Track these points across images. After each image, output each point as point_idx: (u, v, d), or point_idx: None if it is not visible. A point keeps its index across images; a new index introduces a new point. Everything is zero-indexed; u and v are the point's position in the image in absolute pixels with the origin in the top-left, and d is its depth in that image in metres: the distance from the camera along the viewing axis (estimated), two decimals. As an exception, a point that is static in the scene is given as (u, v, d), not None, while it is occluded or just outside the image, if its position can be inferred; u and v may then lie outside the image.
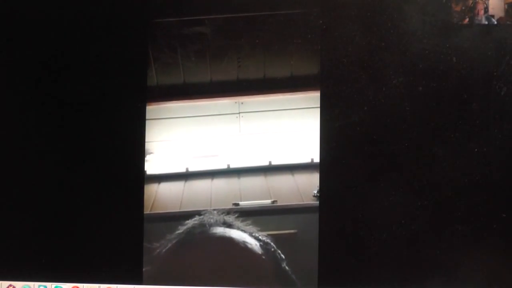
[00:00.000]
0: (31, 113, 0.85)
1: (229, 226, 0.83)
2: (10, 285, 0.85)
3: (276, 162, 0.84)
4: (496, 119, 0.80)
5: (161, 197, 0.84)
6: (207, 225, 0.83)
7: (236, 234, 0.83)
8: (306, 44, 0.82)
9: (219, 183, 0.84)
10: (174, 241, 0.83)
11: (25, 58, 0.85)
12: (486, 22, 0.80)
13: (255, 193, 0.84)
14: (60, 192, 0.84)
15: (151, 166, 0.84)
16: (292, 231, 0.83)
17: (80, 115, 0.84)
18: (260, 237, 0.83)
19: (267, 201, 0.83)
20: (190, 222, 0.83)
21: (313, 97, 0.82)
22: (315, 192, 0.82)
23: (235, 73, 0.83)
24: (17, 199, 0.85)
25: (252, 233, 0.83)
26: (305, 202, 0.82)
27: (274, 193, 0.84)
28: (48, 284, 0.84)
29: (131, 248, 0.83)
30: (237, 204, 0.84)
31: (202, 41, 0.83)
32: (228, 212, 0.83)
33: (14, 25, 0.85)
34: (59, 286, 0.84)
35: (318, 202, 0.82)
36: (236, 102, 0.84)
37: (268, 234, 0.82)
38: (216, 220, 0.83)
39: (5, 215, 0.85)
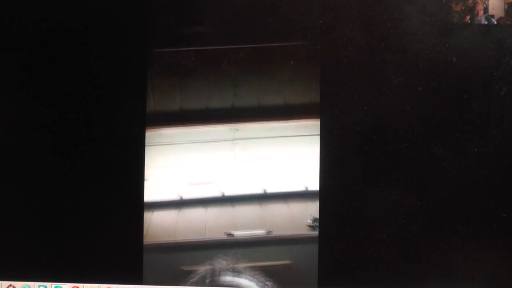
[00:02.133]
0: (33, 119, 0.85)
1: (238, 274, 0.83)
2: (10, 285, 0.85)
3: (270, 190, 0.83)
4: (496, 119, 0.80)
5: (155, 226, 0.83)
6: (217, 273, 0.83)
7: (244, 282, 0.82)
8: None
9: (213, 212, 0.83)
10: None
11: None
12: (486, 22, 0.80)
13: (250, 222, 0.83)
14: (60, 192, 0.84)
15: (145, 193, 0.83)
16: (287, 262, 0.82)
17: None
18: (266, 286, 0.82)
19: (261, 231, 0.83)
20: (202, 270, 0.83)
21: (309, 125, 0.82)
22: (310, 221, 0.82)
23: (231, 99, 0.83)
24: (18, 200, 0.85)
25: (260, 281, 0.82)
26: (300, 232, 0.82)
27: (268, 223, 0.83)
28: (48, 284, 0.84)
29: (131, 248, 0.83)
30: (231, 235, 0.83)
31: (199, 67, 0.83)
32: (237, 261, 0.82)
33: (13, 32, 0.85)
34: (59, 286, 0.84)
35: (313, 232, 0.81)
36: (231, 129, 0.83)
37: (263, 265, 0.82)
38: (226, 268, 0.82)
39: (5, 215, 0.85)
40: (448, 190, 0.80)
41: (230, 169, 0.83)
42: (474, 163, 0.80)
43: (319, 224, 0.82)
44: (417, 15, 0.81)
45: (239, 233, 0.83)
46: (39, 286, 0.84)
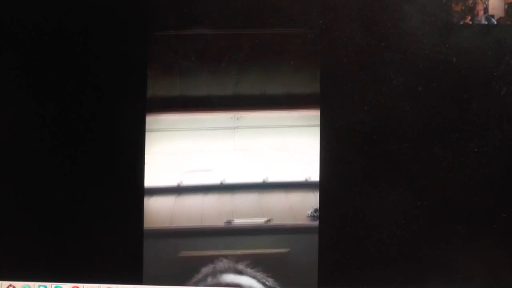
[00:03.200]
0: (33, 118, 0.85)
1: (240, 273, 0.83)
2: (10, 285, 0.85)
3: (270, 179, 0.83)
4: (496, 119, 0.80)
5: (152, 211, 0.83)
6: (219, 273, 0.83)
7: (244, 280, 0.82)
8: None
9: (212, 199, 0.83)
10: None
11: (24, 66, 0.85)
12: (486, 22, 0.80)
13: (249, 210, 0.83)
14: (60, 192, 0.84)
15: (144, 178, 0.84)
16: (284, 250, 0.82)
17: (80, 121, 0.84)
18: (267, 282, 0.82)
19: (261, 220, 0.83)
20: (204, 271, 0.83)
21: (311, 116, 0.82)
22: (310, 212, 0.82)
23: (232, 87, 0.83)
24: (18, 200, 0.85)
25: (260, 279, 0.82)
26: (299, 222, 0.82)
27: (267, 212, 0.83)
28: (48, 284, 0.84)
29: (131, 248, 0.83)
30: (230, 222, 0.83)
31: (200, 52, 0.83)
32: (239, 260, 0.82)
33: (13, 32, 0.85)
34: (59, 286, 0.84)
35: (312, 222, 0.81)
36: (232, 117, 0.83)
37: (262, 253, 0.82)
38: (228, 268, 0.83)
39: (5, 215, 0.85)
40: (448, 190, 0.80)
41: (231, 157, 0.83)
42: (474, 163, 0.80)
43: (319, 224, 0.82)
44: (417, 15, 0.81)
45: (238, 221, 0.83)
46: (39, 286, 0.84)
